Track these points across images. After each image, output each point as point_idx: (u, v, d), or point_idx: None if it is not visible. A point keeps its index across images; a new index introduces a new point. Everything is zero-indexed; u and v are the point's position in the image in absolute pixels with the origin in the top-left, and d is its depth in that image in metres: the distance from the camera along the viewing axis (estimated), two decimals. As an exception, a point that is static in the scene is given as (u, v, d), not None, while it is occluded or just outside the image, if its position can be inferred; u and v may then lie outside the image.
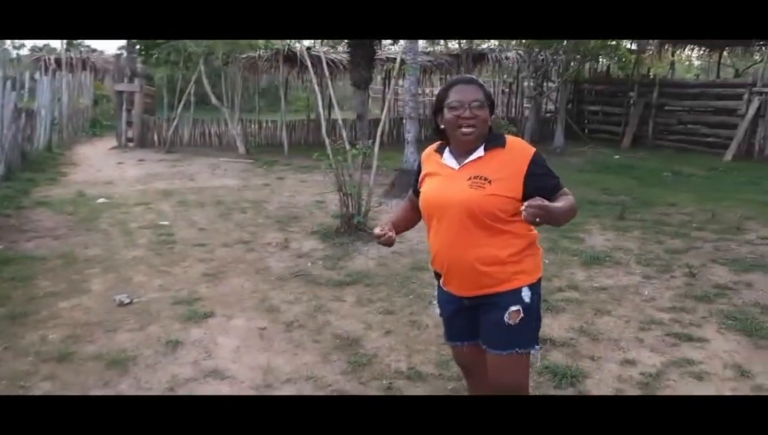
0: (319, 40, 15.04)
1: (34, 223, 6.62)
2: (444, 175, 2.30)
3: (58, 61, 19.36)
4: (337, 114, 6.76)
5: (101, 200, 7.88)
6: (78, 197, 8.09)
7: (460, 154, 2.29)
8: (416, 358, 3.64)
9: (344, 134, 6.50)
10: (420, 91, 17.02)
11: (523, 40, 13.34)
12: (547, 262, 5.71)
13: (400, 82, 17.33)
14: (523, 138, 11.40)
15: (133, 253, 5.69)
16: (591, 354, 3.78)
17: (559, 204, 2.14)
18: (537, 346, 2.31)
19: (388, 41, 12.04)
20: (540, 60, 14.17)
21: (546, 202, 1.98)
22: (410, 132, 8.75)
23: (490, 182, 2.19)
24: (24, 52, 33.92)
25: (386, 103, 7.13)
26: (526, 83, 17.58)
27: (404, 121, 9.39)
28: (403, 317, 4.31)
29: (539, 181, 2.20)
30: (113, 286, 4.81)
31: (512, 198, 2.19)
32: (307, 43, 13.67)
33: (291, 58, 13.71)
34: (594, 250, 6.12)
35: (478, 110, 2.22)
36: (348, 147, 6.43)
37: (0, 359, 3.49)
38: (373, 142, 7.03)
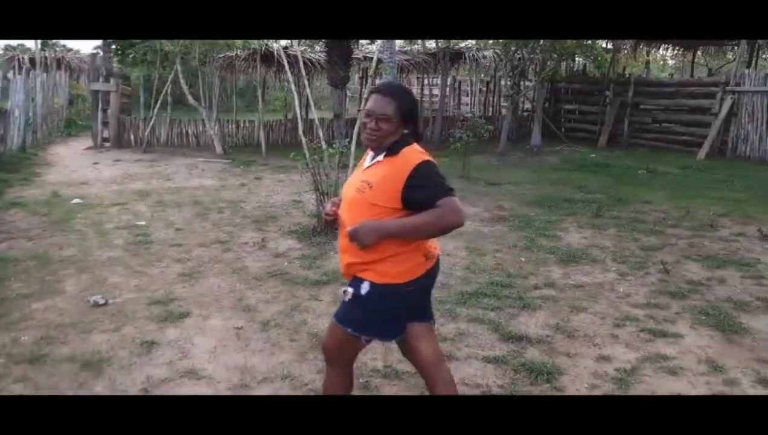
0: (296, 40, 14.98)
1: (6, 225, 6.50)
2: (359, 170, 2.49)
3: (32, 61, 19.04)
4: (314, 113, 6.75)
5: (76, 201, 7.77)
6: (52, 198, 7.97)
7: (375, 155, 2.42)
8: (392, 357, 3.64)
9: (321, 133, 6.49)
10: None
11: (500, 39, 13.44)
12: (523, 259, 5.77)
13: (377, 81, 17.38)
14: (500, 137, 11.50)
15: (108, 254, 5.62)
16: (567, 351, 3.82)
17: (393, 222, 2.25)
18: (350, 329, 2.41)
19: (366, 40, 12.03)
20: (517, 59, 14.27)
21: (353, 229, 2.23)
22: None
23: (371, 188, 2.30)
24: (-2, 51, 33.33)
25: (363, 103, 7.11)
26: (503, 82, 17.71)
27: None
28: (380, 316, 4.31)
29: (411, 193, 2.25)
30: (88, 287, 4.75)
31: (388, 207, 2.27)
32: (284, 42, 13.63)
33: (268, 58, 13.65)
34: (570, 247, 6.19)
35: (382, 123, 2.31)
36: (324, 146, 6.42)
37: (-31, 362, 3.42)
38: (350, 142, 7.03)
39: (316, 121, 6.58)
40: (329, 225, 2.55)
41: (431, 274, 2.44)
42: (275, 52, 12.78)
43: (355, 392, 3.21)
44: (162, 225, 6.81)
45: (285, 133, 15.52)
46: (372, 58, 14.79)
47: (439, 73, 16.90)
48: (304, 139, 6.37)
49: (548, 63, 14.43)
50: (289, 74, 6.71)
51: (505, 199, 8.66)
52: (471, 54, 16.25)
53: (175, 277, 5.04)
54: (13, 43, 29.96)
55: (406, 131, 2.37)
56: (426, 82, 19.13)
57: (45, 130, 14.41)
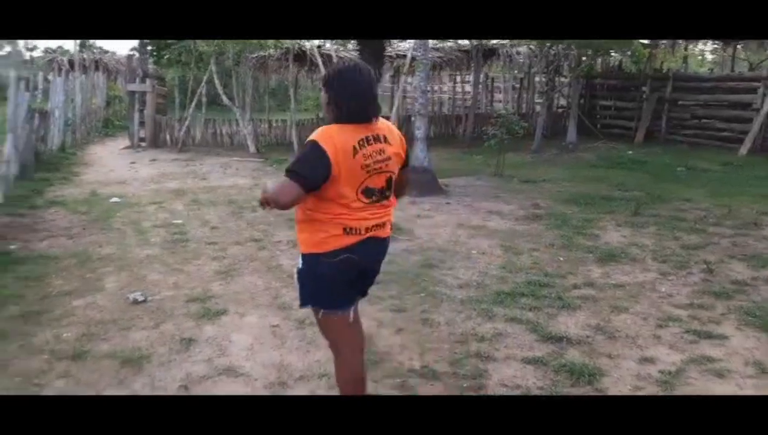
0: (329, 39, 15.05)
1: (47, 223, 6.65)
2: None
3: (71, 62, 19.50)
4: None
5: (114, 200, 7.91)
6: (91, 197, 8.13)
7: None
8: (429, 357, 3.61)
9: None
10: (429, 88, 16.96)
11: (531, 39, 13.27)
12: (561, 258, 5.66)
13: (408, 79, 17.32)
14: (534, 134, 11.36)
15: (146, 252, 5.70)
16: (608, 352, 3.73)
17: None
18: (309, 305, 2.58)
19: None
20: (552, 55, 14.07)
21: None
22: (420, 129, 8.72)
23: None
24: (37, 53, 34.21)
25: (396, 100, 7.06)
26: (537, 78, 17.48)
27: (413, 118, 9.36)
28: (414, 315, 4.28)
29: None
30: (127, 284, 4.82)
31: None
32: (316, 42, 13.68)
33: (300, 57, 13.71)
34: (609, 246, 6.06)
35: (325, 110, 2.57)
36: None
37: (14, 357, 3.50)
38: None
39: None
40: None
41: (361, 250, 2.47)
42: (308, 52, 12.85)
43: (392, 393, 3.19)
44: (198, 223, 6.89)
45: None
46: (404, 55, 14.77)
47: (471, 70, 16.77)
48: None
49: (583, 59, 14.19)
50: (323, 73, 6.69)
51: (541, 197, 8.53)
52: (505, 50, 16.07)
53: (212, 275, 5.08)
54: (53, 45, 30.73)
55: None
56: (458, 79, 18.99)
57: (83, 130, 14.74)
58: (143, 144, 13.89)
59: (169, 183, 9.51)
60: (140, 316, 4.18)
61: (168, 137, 14.20)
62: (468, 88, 18.78)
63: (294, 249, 5.91)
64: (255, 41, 13.68)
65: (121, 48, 63.44)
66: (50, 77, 13.88)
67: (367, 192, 2.45)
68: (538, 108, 16.62)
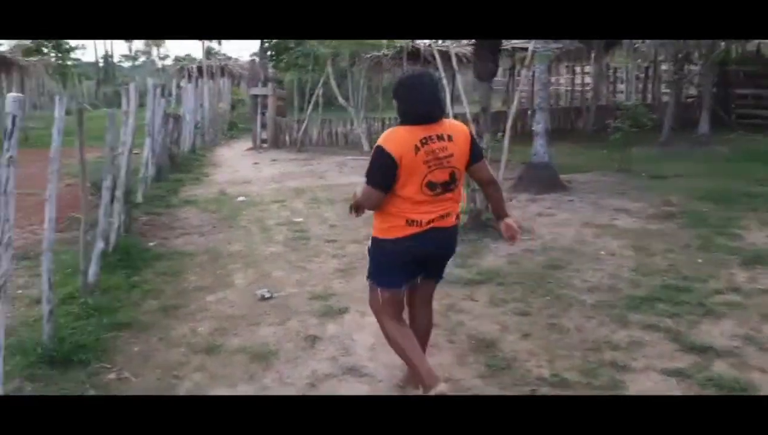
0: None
1: (182, 221, 7.10)
2: None
3: (199, 69, 20.81)
4: (466, 108, 6.61)
5: (240, 199, 8.31)
6: (220, 196, 8.60)
7: None
8: (559, 364, 3.42)
9: (473, 128, 6.33)
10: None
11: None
12: (700, 260, 5.22)
13: (524, 72, 16.80)
14: (662, 126, 10.61)
15: (271, 249, 5.91)
16: (761, 365, 3.37)
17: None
18: (368, 280, 3.03)
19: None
20: (681, 42, 13.06)
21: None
22: (540, 123, 8.40)
23: None
24: (168, 62, 36.68)
25: (517, 94, 6.84)
26: (664, 67, 16.37)
27: (530, 111, 9.03)
28: (540, 319, 4.09)
29: None
30: (254, 280, 5.01)
31: None
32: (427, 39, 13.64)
33: (414, 56, 13.72)
34: (756, 247, 5.51)
35: None
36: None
37: (155, 350, 3.73)
38: (503, 135, 6.81)
39: (468, 115, 6.43)
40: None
41: (424, 238, 2.80)
42: (422, 50, 12.83)
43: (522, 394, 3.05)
44: (317, 221, 7.06)
45: (430, 129, 15.54)
46: (522, 48, 14.37)
47: (591, 61, 16.00)
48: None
49: (721, 44, 13.05)
50: (441, 70, 6.63)
51: (672, 194, 7.94)
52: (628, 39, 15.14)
53: (332, 272, 5.17)
54: (182, 53, 32.93)
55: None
56: (578, 70, 18.18)
57: (211, 132, 15.68)
58: (265, 145, 14.54)
59: (289, 182, 9.86)
60: (267, 312, 4.32)
61: (287, 138, 14.77)
62: (587, 79, 17.94)
63: (412, 248, 5.89)
64: (369, 42, 13.89)
65: (244, 54, 66.99)
66: (182, 84, 14.88)
67: (430, 185, 2.75)
68: (665, 98, 15.54)
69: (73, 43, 38.09)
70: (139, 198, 7.78)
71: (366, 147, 13.66)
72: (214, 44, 56.50)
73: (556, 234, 6.28)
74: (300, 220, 7.11)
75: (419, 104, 2.77)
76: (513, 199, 6.80)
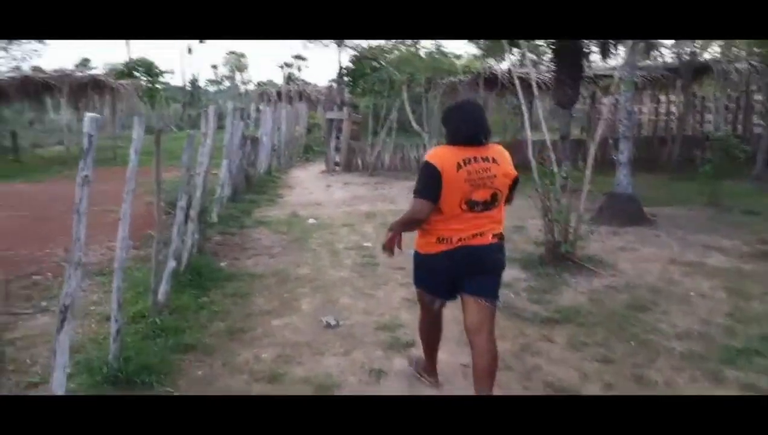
0: (518, 61, 14.67)
1: (254, 242, 7.15)
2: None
3: (278, 94, 21.38)
4: (546, 135, 6.34)
5: (311, 221, 8.32)
6: (292, 218, 8.64)
7: None
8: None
9: (552, 156, 6.06)
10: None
11: (756, 49, 11.66)
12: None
13: (604, 100, 16.19)
14: (755, 159, 9.86)
15: (339, 274, 5.82)
16: None
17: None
18: (415, 286, 3.38)
19: (597, 57, 11.29)
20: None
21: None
22: (623, 153, 7.99)
23: None
24: (251, 87, 38.07)
25: (601, 122, 6.51)
26: (757, 97, 15.40)
27: (611, 140, 8.61)
28: (624, 368, 3.75)
29: None
30: (321, 306, 4.92)
31: None
32: (505, 65, 13.44)
33: (491, 81, 13.51)
34: None
35: None
36: (556, 169, 5.98)
37: (218, 375, 3.67)
38: (585, 164, 6.49)
39: (548, 143, 6.17)
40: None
41: (453, 256, 3.02)
42: (499, 76, 12.62)
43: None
44: (387, 248, 6.93)
45: (504, 156, 15.26)
46: (604, 76, 13.91)
47: (676, 90, 15.28)
48: (533, 162, 6.01)
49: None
50: (520, 95, 6.42)
51: (769, 232, 7.32)
52: (720, 67, 14.38)
53: (400, 302, 5.00)
54: (264, 79, 34.10)
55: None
56: (662, 99, 17.37)
57: (287, 155, 15.98)
58: (338, 168, 14.65)
59: (360, 205, 9.82)
60: (332, 341, 4.20)
61: (360, 162, 14.83)
62: (672, 108, 17.10)
63: (484, 279, 5.66)
64: (445, 67, 13.82)
65: (322, 79, 68.88)
66: (261, 107, 15.28)
67: (471, 203, 2.96)
68: (757, 130, 14.58)
69: (162, 66, 40.31)
70: (214, 217, 7.92)
71: (439, 173, 13.50)
72: (294, 70, 58.28)
73: (640, 270, 5.88)
74: (369, 244, 7.01)
75: (464, 128, 3.02)
76: (593, 231, 6.42)
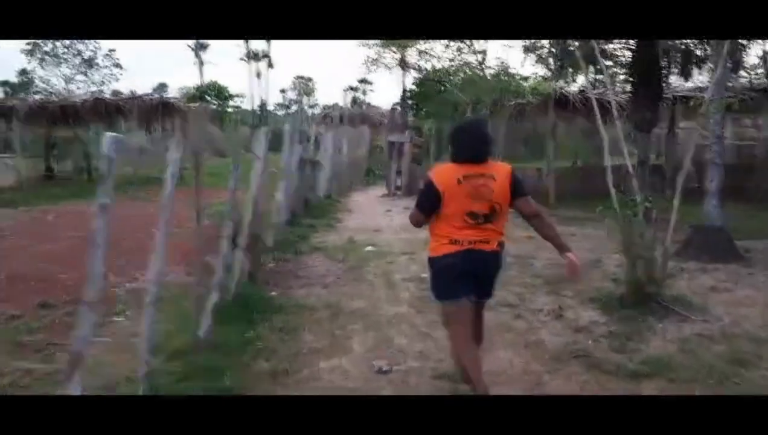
0: (591, 83, 13.99)
1: (308, 269, 6.82)
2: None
3: (341, 117, 21.34)
4: (627, 160, 5.74)
5: (369, 248, 7.93)
6: (348, 244, 8.29)
7: None
8: None
9: (635, 184, 5.46)
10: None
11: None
12: None
13: (681, 124, 15.20)
14: None
15: (395, 309, 5.39)
16: None
17: None
18: (433, 297, 3.53)
19: (675, 77, 10.51)
20: None
21: None
22: (713, 180, 7.24)
23: None
24: (317, 110, 38.61)
25: (691, 148, 5.85)
26: None
27: (693, 166, 7.83)
28: (733, 438, 3.12)
29: None
30: (374, 346, 4.49)
31: None
32: (575, 87, 12.79)
33: (561, 103, 12.85)
34: None
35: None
36: (639, 199, 5.37)
37: (257, 426, 3.27)
38: (668, 193, 5.84)
39: (630, 169, 5.57)
40: None
41: (463, 256, 3.24)
42: (570, 97, 11.99)
43: None
44: (448, 280, 6.45)
45: (574, 181, 14.50)
46: (682, 97, 13.02)
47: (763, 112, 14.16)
48: (613, 190, 5.42)
49: None
50: (597, 117, 5.85)
51: None
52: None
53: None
54: (330, 102, 34.47)
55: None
56: (747, 122, 16.16)
57: (348, 178, 15.76)
58: (399, 192, 14.30)
59: (420, 232, 9.32)
60: (384, 389, 3.75)
61: (422, 186, 14.40)
62: (758, 133, 15.86)
63: (555, 321, 5.09)
64: (512, 88, 13.29)
65: (387, 103, 69.32)
66: (321, 130, 15.16)
67: (472, 215, 3.23)
68: None
69: (233, 90, 41.64)
70: (270, 243, 7.66)
71: (504, 198, 12.91)
72: (359, 93, 58.84)
73: (736, 316, 5.15)
74: (425, 274, 6.52)
75: (466, 147, 3.32)
76: (683, 269, 5.73)
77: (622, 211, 5.28)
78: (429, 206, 3.32)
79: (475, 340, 3.48)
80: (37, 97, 23.81)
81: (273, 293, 5.76)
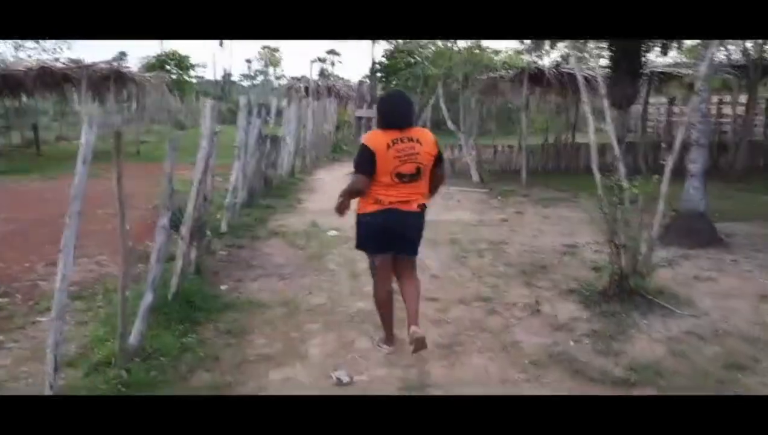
0: (572, 56, 13.53)
1: (264, 258, 6.25)
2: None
3: (306, 89, 20.53)
4: (613, 138, 5.28)
5: (332, 233, 7.37)
6: (311, 228, 7.72)
7: None
8: None
9: (621, 167, 5.01)
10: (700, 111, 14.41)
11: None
12: None
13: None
14: None
15: (358, 304, 4.88)
16: None
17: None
18: (355, 247, 4.07)
19: (657, 51, 10.10)
20: None
21: None
22: (696, 162, 6.86)
23: None
24: (284, 82, 37.48)
25: (682, 126, 5.38)
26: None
27: (666, 145, 7.45)
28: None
29: None
30: (333, 352, 3.98)
31: None
32: (547, 61, 12.31)
33: (536, 78, 12.36)
34: None
35: None
36: (626, 185, 4.93)
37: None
38: (648, 172, 5.42)
39: (616, 150, 5.11)
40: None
41: (384, 215, 3.72)
42: (546, 72, 11.51)
43: None
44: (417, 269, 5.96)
45: (546, 159, 14.15)
46: (660, 73, 12.70)
47: (739, 90, 13.93)
48: (597, 174, 4.97)
49: None
50: (583, 91, 5.35)
51: None
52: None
53: (432, 349, 4.00)
54: (298, 74, 33.42)
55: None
56: (728, 99, 15.83)
57: (313, 155, 15.08)
58: (366, 169, 13.71)
59: (388, 215, 8.84)
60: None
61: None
62: (729, 110, 15.64)
63: (532, 317, 4.66)
64: (485, 62, 12.77)
65: (356, 75, 67.92)
66: (284, 104, 14.42)
67: (399, 175, 3.66)
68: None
69: (196, 60, 40.05)
70: (224, 227, 7.06)
71: (475, 177, 12.46)
72: (327, 65, 57.57)
73: (725, 310, 4.80)
74: (396, 265, 6.03)
75: (391, 115, 3.73)
76: (672, 263, 5.33)
77: (608, 197, 4.82)
78: (369, 168, 3.63)
79: (407, 296, 3.85)
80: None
81: (223, 287, 5.19)
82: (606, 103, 5.20)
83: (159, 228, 3.80)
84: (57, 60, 18.69)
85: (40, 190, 10.21)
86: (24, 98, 18.15)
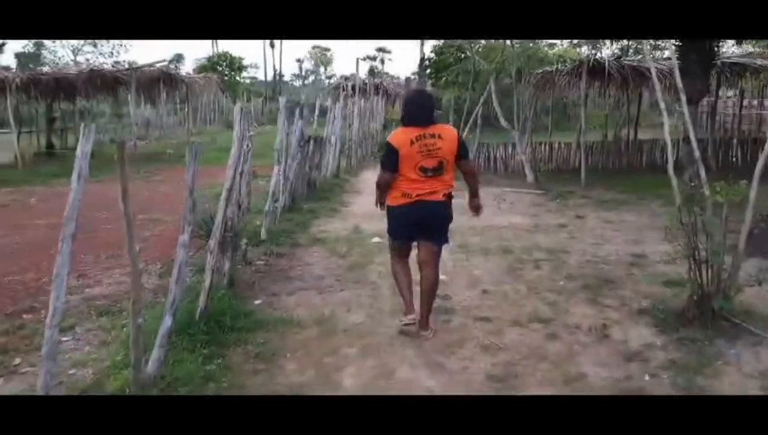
0: (621, 51, 12.70)
1: (303, 268, 5.87)
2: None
3: (353, 87, 20.18)
4: (692, 137, 4.64)
5: (375, 240, 6.93)
6: (353, 234, 7.31)
7: None
8: None
9: (702, 172, 4.38)
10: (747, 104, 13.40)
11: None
12: None
13: (728, 93, 13.88)
14: None
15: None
16: None
17: None
18: (388, 236, 4.37)
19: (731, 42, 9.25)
20: None
21: None
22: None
23: None
24: (334, 81, 37.38)
25: (716, 118, 4.70)
26: None
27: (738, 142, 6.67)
28: None
29: None
30: (369, 381, 3.55)
31: None
32: (606, 52, 11.53)
33: (595, 71, 11.59)
34: None
35: None
36: (707, 192, 4.30)
37: None
38: (732, 174, 4.74)
39: (696, 151, 4.48)
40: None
41: (412, 207, 4.03)
42: (606, 64, 10.76)
43: None
44: (465, 281, 5.47)
45: (606, 157, 13.36)
46: (732, 64, 11.73)
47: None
48: (674, 179, 4.36)
49: None
50: (658, 90, 4.74)
51: None
52: None
53: (483, 381, 3.54)
54: (347, 72, 33.17)
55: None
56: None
57: (359, 155, 14.70)
58: (414, 170, 13.24)
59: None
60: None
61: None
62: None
63: (599, 343, 4.10)
64: (539, 56, 12.09)
65: (404, 72, 67.42)
66: (328, 103, 14.08)
67: (422, 169, 3.97)
68: None
69: (248, 61, 40.47)
70: (263, 234, 6.72)
71: (530, 177, 11.82)
72: (377, 63, 57.22)
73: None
74: (443, 277, 5.53)
75: (413, 113, 4.07)
76: (762, 282, 4.63)
77: (687, 207, 4.20)
78: (391, 164, 3.97)
79: (421, 293, 4.13)
80: (45, 69, 22.99)
81: (257, 302, 4.83)
82: (683, 97, 4.57)
83: (179, 246, 3.44)
84: (116, 63, 18.97)
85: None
86: (79, 101, 18.47)
